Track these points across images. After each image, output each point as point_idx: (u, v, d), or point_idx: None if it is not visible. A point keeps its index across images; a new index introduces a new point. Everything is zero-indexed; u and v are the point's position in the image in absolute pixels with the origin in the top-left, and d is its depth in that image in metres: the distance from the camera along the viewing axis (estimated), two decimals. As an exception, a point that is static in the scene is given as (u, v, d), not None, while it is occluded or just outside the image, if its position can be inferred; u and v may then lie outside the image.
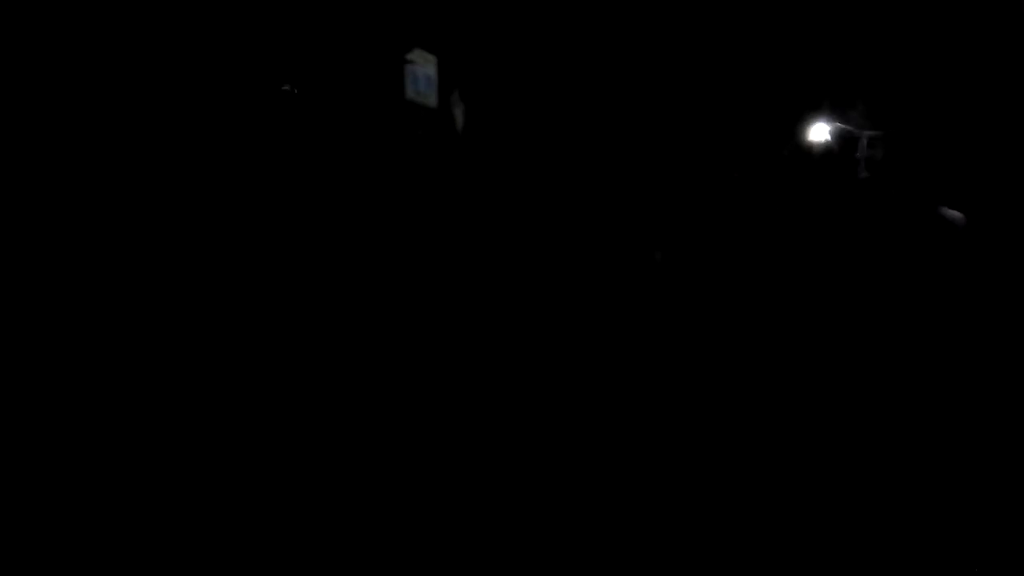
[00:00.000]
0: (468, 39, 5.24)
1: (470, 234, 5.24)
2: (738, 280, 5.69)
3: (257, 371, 3.60)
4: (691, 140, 6.93)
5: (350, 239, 4.55)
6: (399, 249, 4.82)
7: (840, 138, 6.84)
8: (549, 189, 5.73)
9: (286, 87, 4.36)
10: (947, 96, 6.45)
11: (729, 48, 7.31)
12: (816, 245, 4.64)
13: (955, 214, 3.40)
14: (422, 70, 4.85)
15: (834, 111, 6.89)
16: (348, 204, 4.56)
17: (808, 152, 7.11)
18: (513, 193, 5.49)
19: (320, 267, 4.33)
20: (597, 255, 6.07)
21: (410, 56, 4.73)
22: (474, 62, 5.37)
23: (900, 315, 3.39)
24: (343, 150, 4.55)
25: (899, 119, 5.73)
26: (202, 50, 3.95)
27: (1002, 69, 6.29)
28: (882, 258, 3.62)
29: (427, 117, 5.00)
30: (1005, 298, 2.94)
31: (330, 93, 4.57)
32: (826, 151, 6.99)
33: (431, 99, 4.97)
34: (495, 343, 4.54)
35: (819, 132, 6.90)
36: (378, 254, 4.70)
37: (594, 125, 6.14)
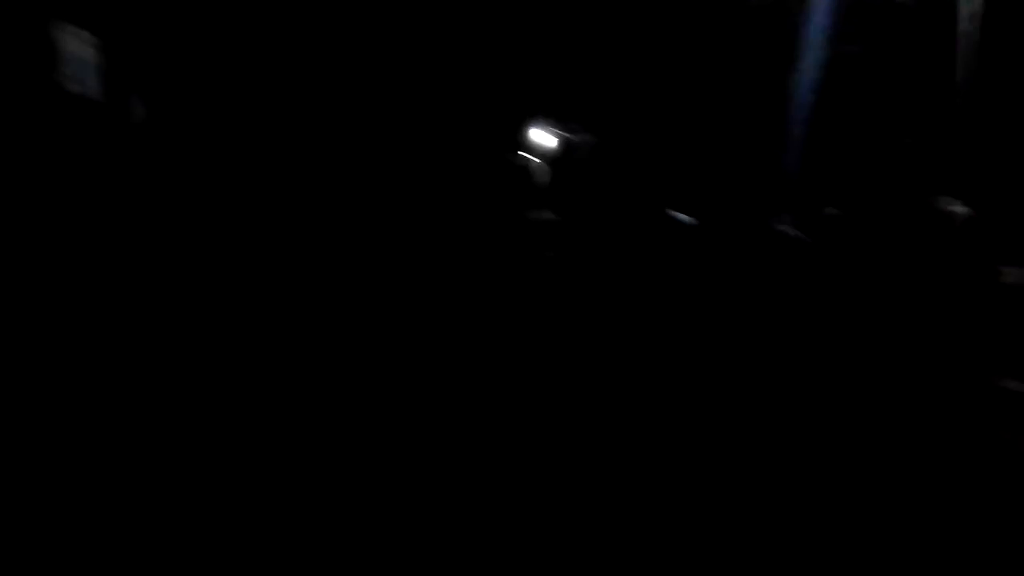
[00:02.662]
0: (144, 17, 4.21)
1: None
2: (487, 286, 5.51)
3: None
4: (408, 144, 6.61)
5: None
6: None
7: (561, 142, 7.02)
8: (261, 199, 4.94)
9: None
10: (662, 101, 7.01)
11: (450, 50, 7.16)
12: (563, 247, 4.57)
13: (682, 216, 3.43)
14: (77, 52, 3.75)
15: (553, 116, 7.07)
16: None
17: (530, 155, 7.18)
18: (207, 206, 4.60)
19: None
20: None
21: (59, 34, 3.61)
22: (156, 47, 4.36)
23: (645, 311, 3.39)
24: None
25: (615, 124, 6.01)
26: None
27: (715, 70, 6.99)
28: (623, 257, 3.59)
29: (88, 111, 3.90)
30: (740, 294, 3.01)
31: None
32: (547, 154, 7.11)
33: (93, 89, 3.89)
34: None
35: (540, 136, 7.03)
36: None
37: (315, 123, 5.48)
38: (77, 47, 3.77)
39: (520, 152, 7.45)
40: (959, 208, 2.01)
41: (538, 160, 6.82)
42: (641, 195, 4.14)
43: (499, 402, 3.85)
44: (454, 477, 3.04)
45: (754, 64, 7.87)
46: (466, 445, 3.37)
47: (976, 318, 2.01)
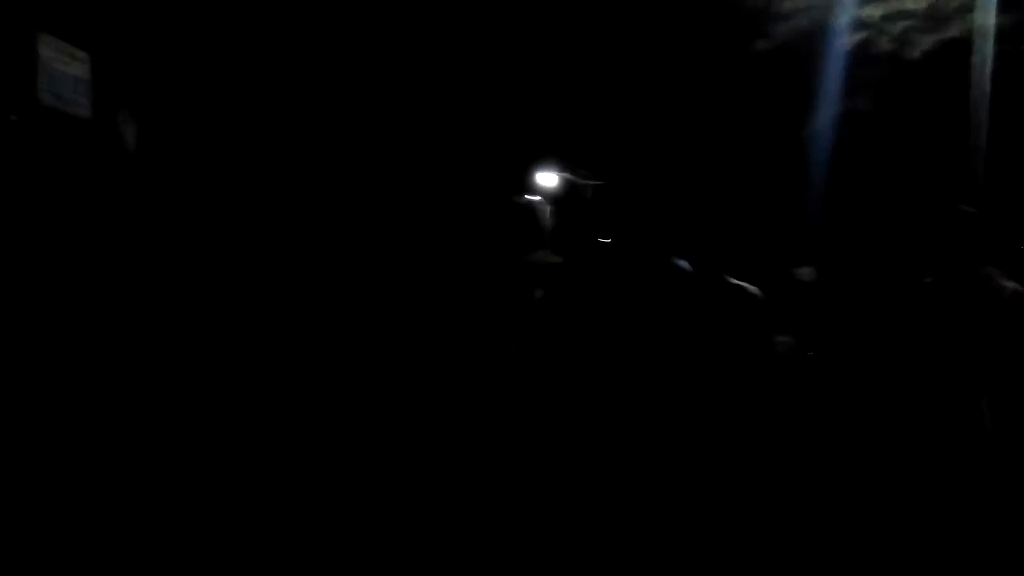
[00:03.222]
0: (141, 33, 4.12)
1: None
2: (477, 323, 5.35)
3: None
4: (410, 184, 6.50)
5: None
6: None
7: (567, 186, 6.91)
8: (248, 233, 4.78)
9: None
10: (669, 147, 6.91)
11: (457, 92, 7.10)
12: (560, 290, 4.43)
13: (685, 264, 3.26)
14: (65, 68, 3.65)
15: (561, 160, 6.95)
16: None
17: (538, 198, 7.06)
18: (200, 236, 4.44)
19: None
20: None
21: (44, 47, 3.49)
22: (151, 65, 4.26)
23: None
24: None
25: (621, 169, 5.88)
26: None
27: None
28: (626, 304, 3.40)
29: (77, 131, 3.77)
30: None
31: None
32: (554, 198, 7.00)
33: (82, 108, 3.77)
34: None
35: (547, 180, 6.90)
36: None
37: (306, 151, 5.36)
38: (66, 64, 3.67)
39: (525, 193, 7.32)
40: (1009, 283, 1.92)
41: (542, 201, 6.67)
42: (645, 241, 3.95)
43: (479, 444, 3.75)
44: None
45: (765, 113, 7.77)
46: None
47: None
